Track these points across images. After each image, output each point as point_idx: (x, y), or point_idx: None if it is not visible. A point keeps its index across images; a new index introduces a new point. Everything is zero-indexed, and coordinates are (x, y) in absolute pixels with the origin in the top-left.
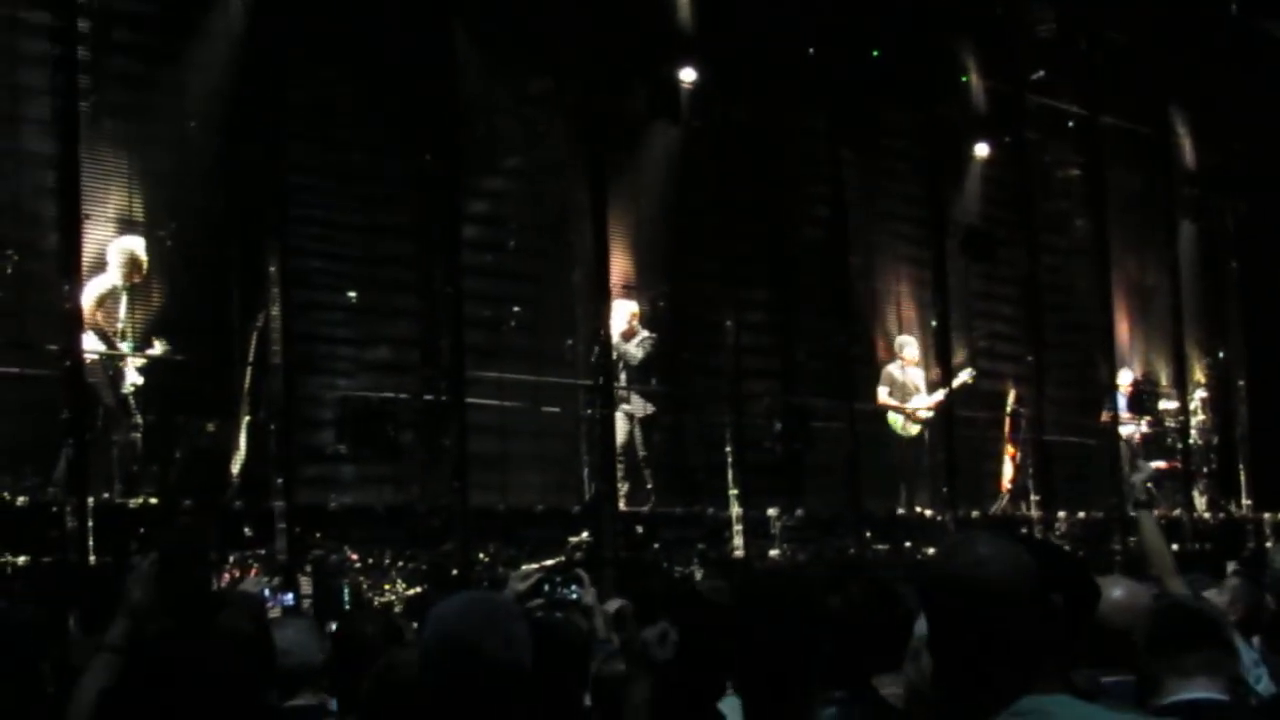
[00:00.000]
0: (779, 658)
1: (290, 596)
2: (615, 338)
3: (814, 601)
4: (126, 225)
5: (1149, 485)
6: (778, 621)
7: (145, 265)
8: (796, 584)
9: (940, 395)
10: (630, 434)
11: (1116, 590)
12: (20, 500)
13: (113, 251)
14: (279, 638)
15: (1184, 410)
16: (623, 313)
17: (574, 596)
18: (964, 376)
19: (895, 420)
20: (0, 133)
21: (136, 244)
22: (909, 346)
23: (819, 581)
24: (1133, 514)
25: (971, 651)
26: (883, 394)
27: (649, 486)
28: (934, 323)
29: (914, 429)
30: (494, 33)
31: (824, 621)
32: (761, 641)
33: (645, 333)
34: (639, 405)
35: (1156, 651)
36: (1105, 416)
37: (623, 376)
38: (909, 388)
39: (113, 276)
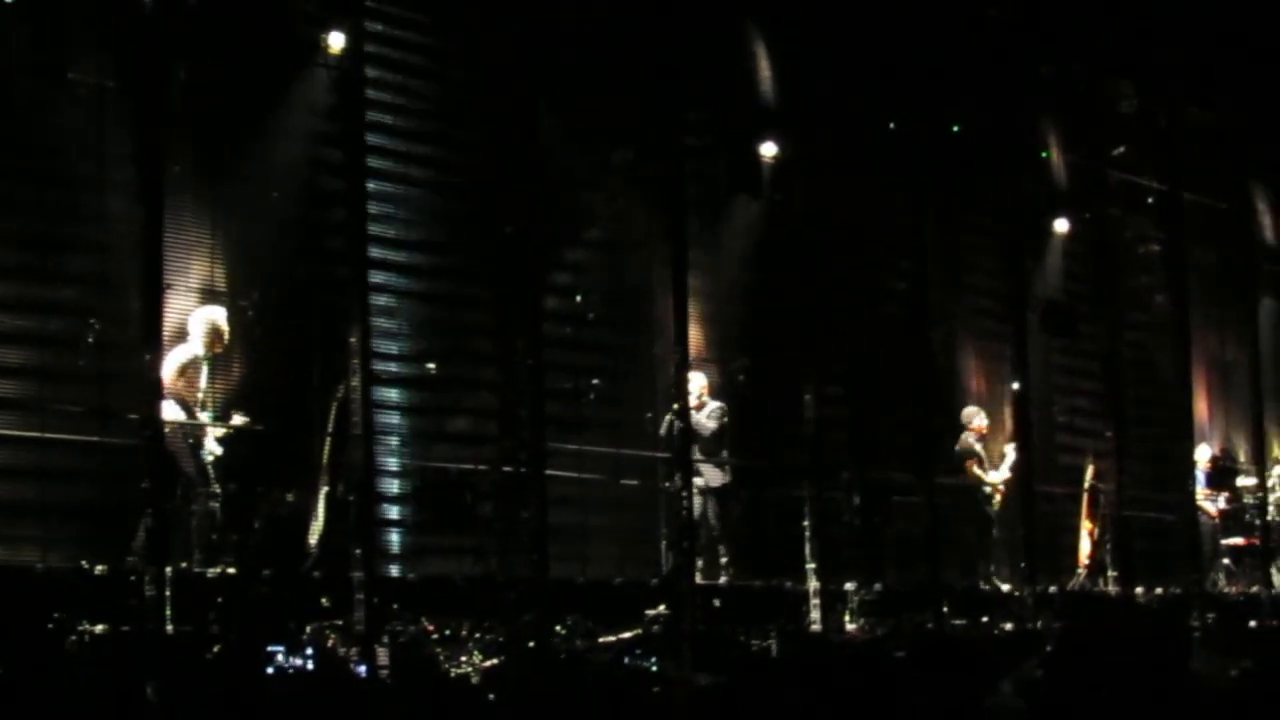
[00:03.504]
0: None
1: (364, 668)
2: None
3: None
4: (208, 295)
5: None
6: None
7: (227, 335)
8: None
9: (1006, 472)
10: (704, 507)
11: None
12: (99, 568)
13: (195, 321)
14: None
15: (1263, 486)
16: (692, 386)
17: (655, 669)
18: (1010, 454)
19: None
20: (85, 200)
21: (219, 314)
22: (978, 417)
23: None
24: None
25: None
26: (974, 468)
27: (723, 561)
28: (1014, 397)
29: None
30: (576, 105)
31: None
32: None
33: (715, 403)
34: (713, 476)
35: None
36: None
37: (694, 449)
38: (985, 458)
39: (195, 346)
